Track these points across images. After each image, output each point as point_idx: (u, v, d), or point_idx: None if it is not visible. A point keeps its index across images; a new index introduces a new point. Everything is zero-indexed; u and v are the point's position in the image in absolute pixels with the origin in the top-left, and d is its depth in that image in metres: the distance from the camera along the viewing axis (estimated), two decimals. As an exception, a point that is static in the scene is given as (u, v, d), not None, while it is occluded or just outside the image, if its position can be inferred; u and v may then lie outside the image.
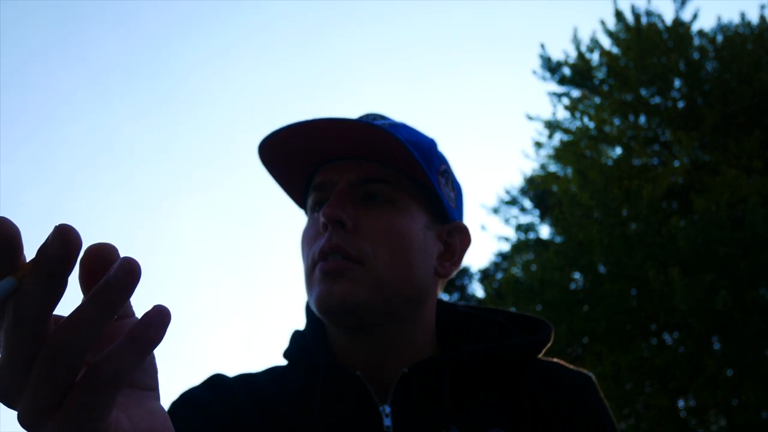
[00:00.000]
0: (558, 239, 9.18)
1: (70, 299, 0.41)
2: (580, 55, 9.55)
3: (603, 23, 9.55)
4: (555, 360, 0.98)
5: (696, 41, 9.19)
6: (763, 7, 9.24)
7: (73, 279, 0.41)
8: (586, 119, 9.53)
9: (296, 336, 0.98)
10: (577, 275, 8.66)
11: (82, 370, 0.41)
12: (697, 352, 7.71)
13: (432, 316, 0.95)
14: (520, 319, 1.00)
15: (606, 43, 9.57)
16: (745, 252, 7.18)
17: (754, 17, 16.43)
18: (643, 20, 9.31)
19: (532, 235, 9.89)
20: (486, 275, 14.76)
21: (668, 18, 9.35)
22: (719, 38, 9.24)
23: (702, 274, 7.14)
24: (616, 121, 9.55)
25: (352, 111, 0.98)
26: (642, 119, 9.53)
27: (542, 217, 11.01)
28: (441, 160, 0.96)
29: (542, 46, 9.74)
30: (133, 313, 0.47)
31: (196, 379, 0.95)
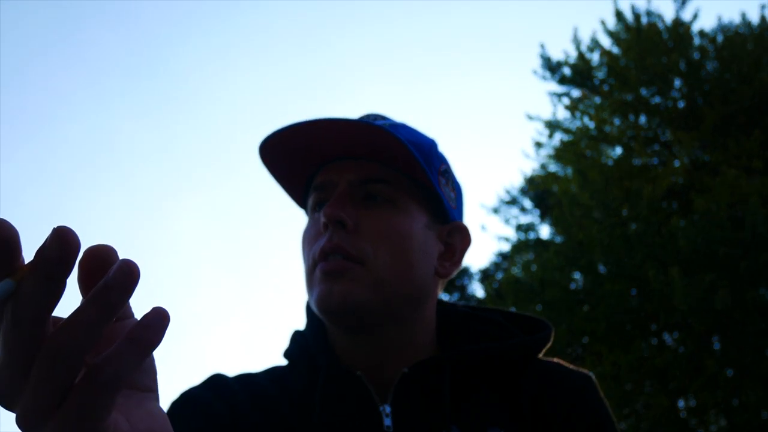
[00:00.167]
0: (558, 239, 9.18)
1: (69, 301, 0.41)
2: (581, 55, 9.55)
3: (603, 23, 9.56)
4: (555, 360, 0.98)
5: (696, 41, 9.19)
6: (763, 7, 9.24)
7: (72, 280, 0.41)
8: (586, 119, 9.53)
9: (296, 336, 0.98)
10: (577, 275, 8.66)
11: (81, 371, 0.41)
12: (697, 352, 7.72)
13: (432, 316, 0.95)
14: (520, 319, 1.00)
15: (606, 43, 9.58)
16: (745, 252, 7.18)
17: (754, 17, 16.42)
18: (644, 20, 9.31)
19: (532, 235, 9.89)
20: (486, 275, 14.76)
21: (668, 18, 9.35)
22: (719, 38, 9.24)
23: (702, 274, 7.14)
24: (616, 121, 9.56)
25: (352, 111, 0.98)
26: (642, 119, 9.53)
27: (542, 217, 11.01)
28: (441, 160, 0.96)
29: (542, 46, 9.76)
30: (132, 315, 0.47)
31: (196, 379, 0.95)
